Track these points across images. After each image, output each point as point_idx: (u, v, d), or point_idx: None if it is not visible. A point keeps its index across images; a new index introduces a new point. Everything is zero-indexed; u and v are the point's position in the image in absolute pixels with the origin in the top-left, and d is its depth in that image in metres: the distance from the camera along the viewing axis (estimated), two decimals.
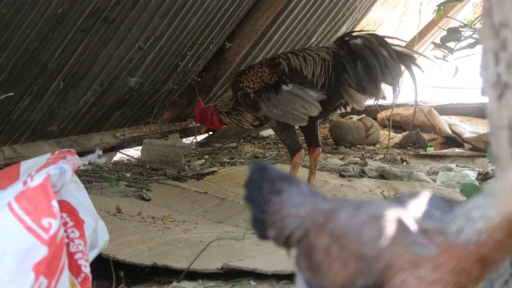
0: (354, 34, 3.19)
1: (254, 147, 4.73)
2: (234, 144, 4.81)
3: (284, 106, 3.15)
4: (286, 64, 3.18)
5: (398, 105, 5.03)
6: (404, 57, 3.09)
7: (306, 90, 3.13)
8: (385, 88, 3.12)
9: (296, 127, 3.33)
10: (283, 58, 3.23)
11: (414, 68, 3.11)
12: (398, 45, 3.13)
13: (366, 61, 3.05)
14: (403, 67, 3.09)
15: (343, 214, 1.14)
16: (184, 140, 4.57)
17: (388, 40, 3.11)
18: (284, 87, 3.15)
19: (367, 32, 3.20)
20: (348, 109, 3.29)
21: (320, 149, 3.33)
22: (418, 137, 4.92)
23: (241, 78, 3.27)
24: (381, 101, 3.26)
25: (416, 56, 3.22)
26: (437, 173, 3.85)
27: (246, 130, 4.70)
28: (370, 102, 3.31)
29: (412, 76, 3.09)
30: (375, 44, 3.07)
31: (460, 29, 3.02)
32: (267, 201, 1.27)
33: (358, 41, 3.11)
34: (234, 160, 4.31)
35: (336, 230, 1.13)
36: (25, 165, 1.86)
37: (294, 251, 1.21)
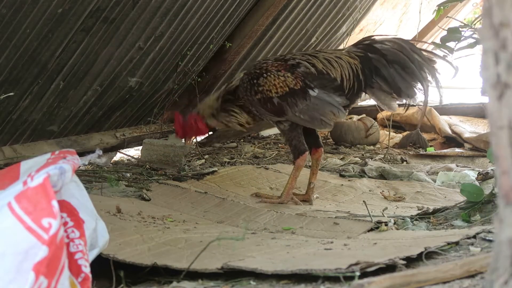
0: (379, 38, 3.20)
1: (254, 147, 4.73)
2: (234, 144, 4.81)
3: (312, 112, 3.12)
4: (310, 66, 3.16)
5: (398, 105, 5.02)
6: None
7: (331, 96, 3.13)
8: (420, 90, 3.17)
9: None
10: (303, 59, 3.20)
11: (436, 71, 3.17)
12: (421, 49, 3.19)
13: (403, 64, 3.09)
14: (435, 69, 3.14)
15: None
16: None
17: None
18: (311, 92, 3.12)
19: (393, 36, 3.25)
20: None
21: (322, 149, 3.31)
22: (418, 137, 4.92)
23: (259, 82, 3.17)
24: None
25: (437, 59, 3.24)
26: (437, 173, 3.85)
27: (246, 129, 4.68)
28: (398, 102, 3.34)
29: (436, 78, 3.14)
30: (407, 48, 3.11)
31: (460, 29, 3.02)
32: None
33: (387, 45, 3.14)
34: (234, 160, 4.31)
35: None
36: (25, 165, 1.86)
37: None
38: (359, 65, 3.14)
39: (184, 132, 3.43)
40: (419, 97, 3.16)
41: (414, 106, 3.43)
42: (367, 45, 3.19)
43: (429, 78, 3.12)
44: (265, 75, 3.18)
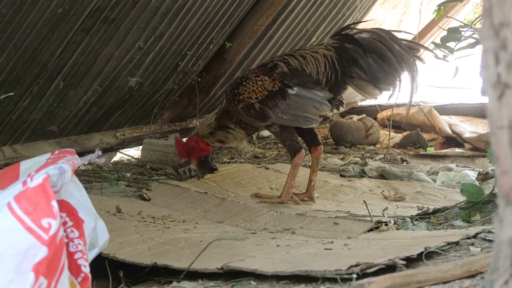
0: (358, 28, 3.20)
1: (254, 147, 4.73)
2: None
3: (294, 110, 3.12)
4: (284, 65, 3.17)
5: (398, 105, 5.02)
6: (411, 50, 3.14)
7: (313, 91, 3.12)
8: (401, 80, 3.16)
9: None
10: (279, 60, 3.21)
11: (416, 60, 3.15)
12: (403, 39, 3.17)
13: (381, 53, 3.08)
14: (415, 58, 3.13)
15: None
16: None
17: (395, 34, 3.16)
18: (290, 91, 3.12)
19: (372, 28, 3.24)
20: (342, 109, 3.32)
21: (322, 147, 3.31)
22: (418, 137, 4.93)
23: (239, 91, 3.20)
24: (381, 101, 3.28)
25: (419, 48, 3.24)
26: (437, 173, 3.85)
27: None
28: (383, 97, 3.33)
29: (414, 68, 3.12)
30: (385, 38, 3.09)
31: (460, 29, 3.02)
32: None
33: (365, 35, 3.13)
34: (234, 160, 4.31)
35: None
36: (25, 165, 1.86)
37: None
38: (335, 55, 3.14)
39: (187, 153, 3.48)
40: (400, 85, 3.15)
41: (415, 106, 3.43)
42: (344, 36, 3.19)
43: (409, 66, 3.10)
44: (244, 83, 3.21)
